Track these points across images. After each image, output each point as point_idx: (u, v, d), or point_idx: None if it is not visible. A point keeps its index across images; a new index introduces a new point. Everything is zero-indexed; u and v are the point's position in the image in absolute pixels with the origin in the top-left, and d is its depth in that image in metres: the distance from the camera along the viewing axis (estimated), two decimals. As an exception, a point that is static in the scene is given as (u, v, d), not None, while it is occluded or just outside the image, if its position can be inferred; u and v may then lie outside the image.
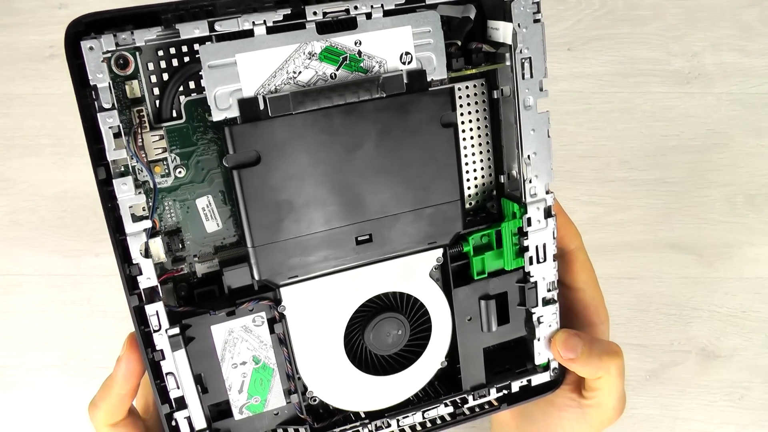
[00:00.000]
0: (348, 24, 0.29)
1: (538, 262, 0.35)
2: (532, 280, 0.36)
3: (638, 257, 0.61)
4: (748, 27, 0.62)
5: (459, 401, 0.37)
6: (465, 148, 0.37)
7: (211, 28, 0.28)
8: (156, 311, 0.30)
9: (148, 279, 0.30)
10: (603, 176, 0.62)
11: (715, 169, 0.62)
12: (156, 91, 0.31)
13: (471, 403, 0.37)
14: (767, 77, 0.62)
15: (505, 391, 0.38)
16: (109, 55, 0.28)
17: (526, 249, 0.36)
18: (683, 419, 0.61)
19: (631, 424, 0.61)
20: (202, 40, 0.28)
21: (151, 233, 0.30)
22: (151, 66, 0.31)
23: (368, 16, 0.30)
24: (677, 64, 0.62)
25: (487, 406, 0.38)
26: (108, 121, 0.28)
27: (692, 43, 0.62)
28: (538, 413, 0.41)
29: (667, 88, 0.62)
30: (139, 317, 0.31)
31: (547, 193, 0.35)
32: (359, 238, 0.32)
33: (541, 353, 0.38)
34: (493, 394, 0.38)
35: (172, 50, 0.31)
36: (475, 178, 0.38)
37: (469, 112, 0.36)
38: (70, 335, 0.61)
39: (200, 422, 0.33)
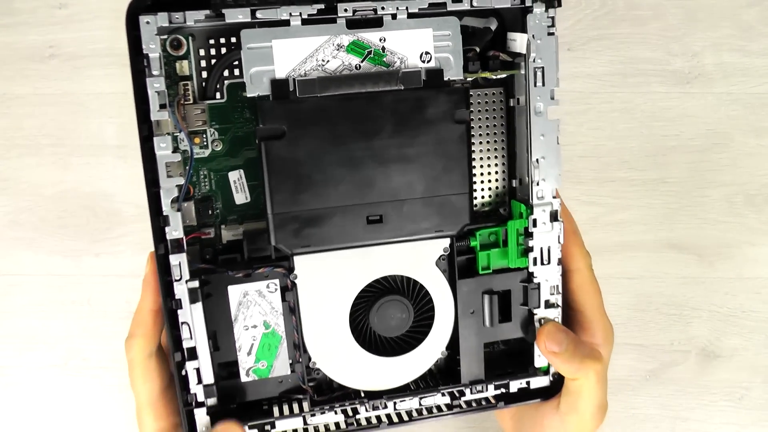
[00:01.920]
0: (375, 22, 0.33)
1: (543, 263, 0.37)
2: (535, 281, 0.37)
3: (638, 257, 0.61)
4: (748, 27, 0.62)
5: (456, 393, 0.38)
6: (481, 152, 0.39)
7: (253, 15, 0.32)
8: (179, 262, 0.33)
9: (175, 231, 0.33)
10: (603, 176, 0.62)
11: (715, 169, 0.62)
12: (204, 74, 0.35)
13: (468, 396, 0.38)
14: (767, 77, 0.62)
15: (504, 390, 0.38)
16: (164, 28, 0.32)
17: (531, 249, 0.37)
18: (683, 419, 0.61)
19: (631, 424, 0.61)
20: (244, 26, 0.32)
21: (185, 197, 0.33)
22: (202, 52, 0.35)
23: (393, 16, 0.33)
24: (677, 64, 0.62)
25: (484, 402, 0.39)
26: (155, 86, 0.32)
27: (692, 43, 0.62)
28: (528, 422, 0.41)
29: (667, 88, 0.62)
30: (163, 266, 0.33)
31: (554, 197, 0.36)
32: (370, 218, 0.34)
33: (541, 356, 0.38)
34: (491, 391, 0.38)
35: (222, 40, 0.35)
36: (490, 182, 0.40)
37: (487, 118, 0.39)
38: (70, 335, 0.61)
39: (209, 377, 0.34)
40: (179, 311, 0.34)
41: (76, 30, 0.63)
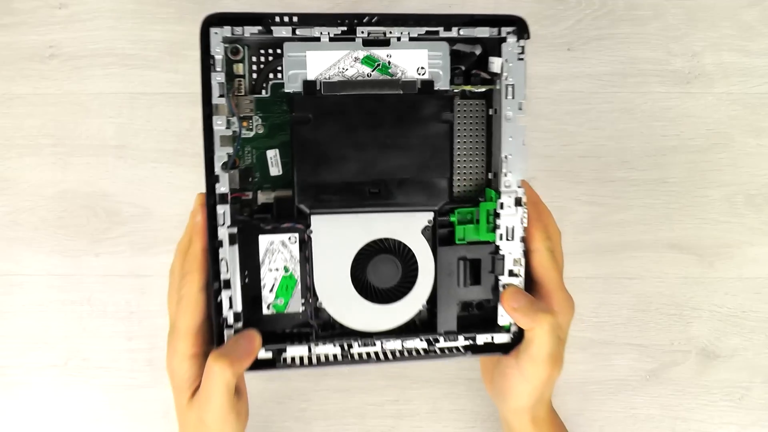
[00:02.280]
0: (384, 42, 0.43)
1: (507, 239, 0.46)
2: (501, 253, 0.46)
3: (638, 257, 0.62)
4: (748, 27, 0.62)
5: (432, 340, 0.47)
6: (466, 150, 0.48)
7: (293, 33, 0.43)
8: (223, 211, 0.43)
9: (222, 187, 0.43)
10: (603, 176, 0.62)
11: (715, 169, 0.62)
12: (254, 75, 0.46)
13: (441, 344, 0.47)
14: (767, 77, 0.62)
15: (471, 342, 0.47)
16: (227, 38, 0.43)
17: (498, 227, 0.46)
18: (683, 419, 0.61)
19: (632, 424, 0.61)
20: (286, 39, 0.43)
21: (232, 166, 0.44)
22: (253, 58, 0.46)
23: (398, 38, 0.43)
24: (677, 64, 0.62)
25: (455, 351, 0.47)
26: (217, 79, 0.42)
27: (692, 43, 0.62)
28: (498, 377, 0.48)
29: (667, 88, 0.62)
30: (212, 213, 0.43)
31: (519, 187, 0.45)
32: (371, 190, 0.44)
33: (503, 316, 0.47)
34: (461, 341, 0.47)
35: (270, 51, 0.46)
36: (471, 174, 0.49)
37: (472, 124, 0.48)
38: (70, 335, 0.61)
39: (238, 305, 0.44)
40: (220, 249, 0.43)
41: (76, 30, 0.63)
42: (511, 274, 0.46)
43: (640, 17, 0.62)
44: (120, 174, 0.62)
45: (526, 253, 0.46)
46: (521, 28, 0.44)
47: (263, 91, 0.46)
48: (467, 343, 0.47)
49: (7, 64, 0.62)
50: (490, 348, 0.47)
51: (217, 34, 0.42)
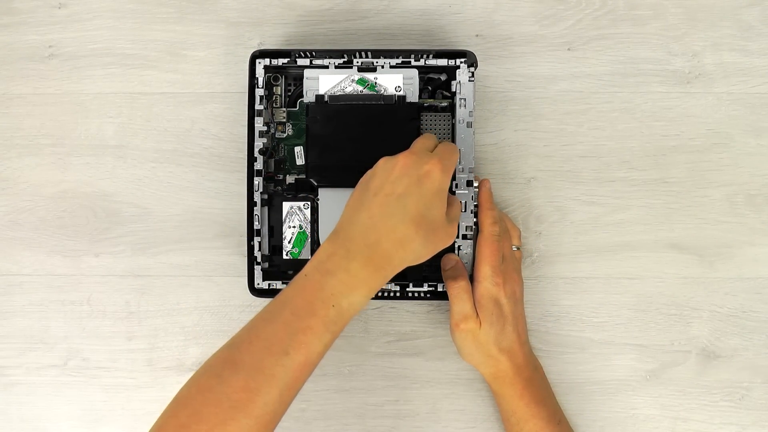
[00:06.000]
0: (372, 69, 0.59)
1: (462, 211, 0.58)
2: None
3: (638, 257, 0.61)
4: (749, 27, 0.62)
5: (403, 285, 0.59)
6: None
7: (311, 63, 0.58)
8: (258, 181, 0.58)
9: (258, 165, 0.58)
10: (603, 176, 0.62)
11: (715, 169, 0.62)
12: (287, 93, 0.62)
13: (410, 288, 0.59)
14: (767, 77, 0.62)
15: (433, 289, 0.58)
16: (267, 67, 0.59)
17: None
18: (683, 419, 0.61)
19: (632, 424, 0.61)
20: (305, 67, 0.59)
21: (270, 155, 0.59)
22: (287, 84, 0.61)
23: (382, 66, 0.59)
24: (677, 64, 0.62)
25: (420, 294, 0.58)
26: (259, 92, 0.58)
27: (692, 43, 0.62)
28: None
29: (667, 88, 0.62)
30: (250, 182, 0.58)
31: (470, 172, 0.58)
32: (359, 171, 0.54)
33: None
34: (426, 288, 0.58)
35: (297, 80, 0.61)
36: None
37: (441, 130, 0.60)
38: (69, 335, 0.61)
39: (265, 250, 0.59)
40: (255, 208, 0.58)
41: (76, 30, 0.63)
42: (464, 237, 0.58)
43: (640, 17, 0.62)
44: (120, 174, 0.62)
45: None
46: (470, 59, 0.58)
47: (293, 107, 0.61)
48: (430, 290, 0.58)
49: (7, 64, 0.62)
50: (445, 296, 0.58)
51: (260, 63, 0.58)
